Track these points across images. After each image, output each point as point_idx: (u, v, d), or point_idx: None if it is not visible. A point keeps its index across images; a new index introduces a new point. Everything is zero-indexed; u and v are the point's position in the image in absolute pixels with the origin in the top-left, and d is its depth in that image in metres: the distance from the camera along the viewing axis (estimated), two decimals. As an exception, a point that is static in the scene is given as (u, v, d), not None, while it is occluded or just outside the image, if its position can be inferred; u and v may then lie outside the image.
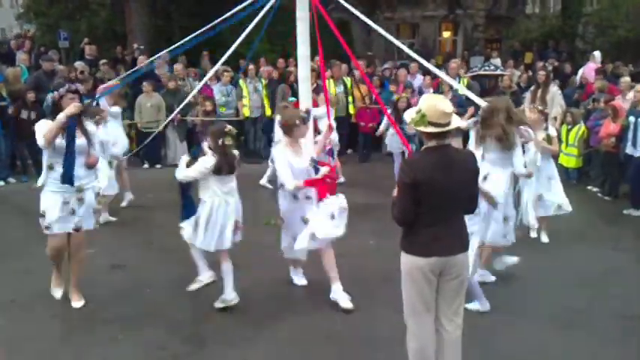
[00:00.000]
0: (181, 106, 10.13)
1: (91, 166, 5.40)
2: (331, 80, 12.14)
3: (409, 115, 3.84)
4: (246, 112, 12.40)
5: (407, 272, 3.85)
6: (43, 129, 5.04)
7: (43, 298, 5.83)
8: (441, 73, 8.44)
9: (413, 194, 3.68)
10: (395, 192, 3.90)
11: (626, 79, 10.30)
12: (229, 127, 5.40)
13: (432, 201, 3.69)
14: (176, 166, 11.06)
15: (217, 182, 5.27)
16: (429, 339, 3.89)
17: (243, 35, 7.77)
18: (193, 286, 5.58)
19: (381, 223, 6.16)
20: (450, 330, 3.91)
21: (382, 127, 10.02)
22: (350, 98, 12.22)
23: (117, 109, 8.51)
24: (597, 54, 13.66)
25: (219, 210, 5.29)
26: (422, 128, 3.72)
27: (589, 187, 9.77)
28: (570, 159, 9.97)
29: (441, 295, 3.88)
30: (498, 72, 12.95)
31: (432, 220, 3.74)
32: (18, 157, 11.29)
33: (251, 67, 12.87)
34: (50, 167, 5.18)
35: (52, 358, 4.75)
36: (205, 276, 5.56)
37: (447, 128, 3.71)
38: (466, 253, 3.88)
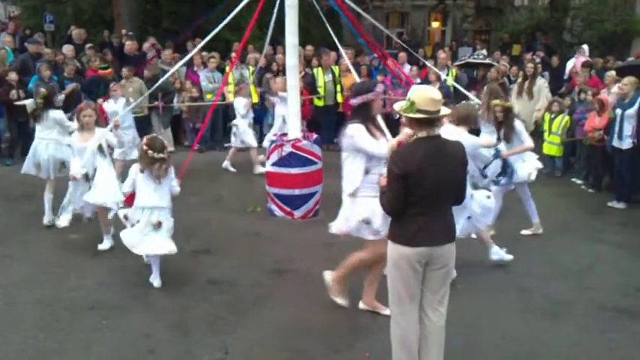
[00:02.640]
0: (150, 91, 10.04)
1: None
2: (320, 69, 12.11)
3: (398, 105, 3.86)
4: (232, 98, 12.31)
5: (393, 261, 3.88)
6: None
7: (27, 283, 5.80)
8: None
9: (402, 184, 3.69)
10: (382, 181, 3.91)
11: (612, 72, 10.35)
12: (42, 89, 7.43)
13: (421, 191, 3.70)
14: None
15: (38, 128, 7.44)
16: (413, 328, 3.92)
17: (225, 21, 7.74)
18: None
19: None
20: (434, 319, 3.94)
21: None
22: (338, 87, 12.18)
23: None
24: (585, 47, 13.72)
25: (39, 149, 7.38)
26: (411, 115, 3.73)
27: (573, 180, 9.84)
28: (552, 147, 10.06)
29: (426, 284, 3.90)
30: (487, 61, 12.95)
31: (421, 211, 3.75)
32: (3, 141, 11.16)
33: (233, 54, 12.74)
34: (366, 172, 4.82)
35: (35, 344, 4.72)
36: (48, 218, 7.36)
37: (435, 115, 3.73)
38: (453, 243, 3.90)
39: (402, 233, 3.83)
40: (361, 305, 5.25)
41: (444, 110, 3.81)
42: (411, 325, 3.92)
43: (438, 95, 3.76)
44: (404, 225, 3.81)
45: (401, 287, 3.88)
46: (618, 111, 8.44)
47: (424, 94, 3.73)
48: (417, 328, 3.95)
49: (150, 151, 5.55)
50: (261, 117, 12.60)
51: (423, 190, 3.70)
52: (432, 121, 3.75)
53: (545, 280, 6.00)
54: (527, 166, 6.82)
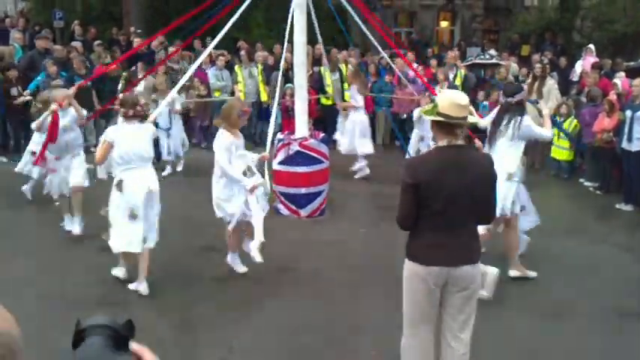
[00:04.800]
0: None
1: None
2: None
3: (424, 107, 3.77)
4: (241, 97, 12.31)
5: (407, 279, 3.63)
6: None
7: (31, 279, 5.82)
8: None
9: (415, 195, 3.43)
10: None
11: (621, 74, 10.29)
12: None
13: (435, 205, 3.42)
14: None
15: None
16: (424, 350, 3.68)
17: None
18: None
19: (372, 211, 6.14)
20: (455, 346, 3.66)
21: None
22: (345, 86, 12.15)
23: None
24: (592, 46, 13.66)
25: None
26: (430, 117, 3.53)
27: (581, 181, 9.79)
28: (562, 152, 10.00)
29: (445, 308, 3.64)
30: (494, 61, 12.90)
31: (436, 226, 3.49)
32: (12, 137, 11.14)
33: (244, 52, 12.74)
34: None
35: (38, 340, 4.72)
36: None
37: (457, 121, 3.46)
38: (475, 265, 3.57)
39: (414, 249, 3.58)
40: (512, 273, 5.90)
41: (471, 118, 3.59)
42: (423, 347, 3.67)
43: (463, 100, 3.50)
44: (417, 240, 3.56)
45: (411, 306, 3.64)
46: (628, 113, 8.37)
47: (447, 97, 3.51)
48: (430, 352, 3.69)
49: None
50: (269, 115, 12.59)
51: (439, 204, 3.41)
52: (453, 127, 3.49)
53: (548, 281, 5.97)
54: None
